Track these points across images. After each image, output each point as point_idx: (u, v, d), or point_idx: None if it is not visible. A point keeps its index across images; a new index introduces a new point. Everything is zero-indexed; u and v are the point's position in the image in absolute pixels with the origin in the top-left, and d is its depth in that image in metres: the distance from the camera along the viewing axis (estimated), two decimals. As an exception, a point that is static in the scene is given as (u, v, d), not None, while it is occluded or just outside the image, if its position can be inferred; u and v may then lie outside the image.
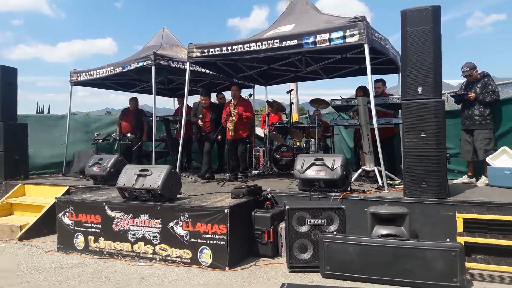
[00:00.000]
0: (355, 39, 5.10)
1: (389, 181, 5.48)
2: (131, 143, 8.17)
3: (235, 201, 4.57)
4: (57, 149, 9.50)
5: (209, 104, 7.40)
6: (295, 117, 9.91)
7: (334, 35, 5.22)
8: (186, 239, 4.36)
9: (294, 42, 5.51)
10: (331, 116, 9.50)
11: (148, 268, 4.32)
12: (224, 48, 6.09)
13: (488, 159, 5.48)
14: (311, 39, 5.37)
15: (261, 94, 11.05)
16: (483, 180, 5.55)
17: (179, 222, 4.39)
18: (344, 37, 5.16)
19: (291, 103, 8.03)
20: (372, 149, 5.83)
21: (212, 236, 4.23)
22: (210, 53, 6.24)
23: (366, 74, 8.10)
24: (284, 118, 8.90)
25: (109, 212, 4.77)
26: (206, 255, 4.26)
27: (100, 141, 7.94)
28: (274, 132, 8.11)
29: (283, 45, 5.60)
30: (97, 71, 7.91)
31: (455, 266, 3.45)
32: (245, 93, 9.94)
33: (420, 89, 4.42)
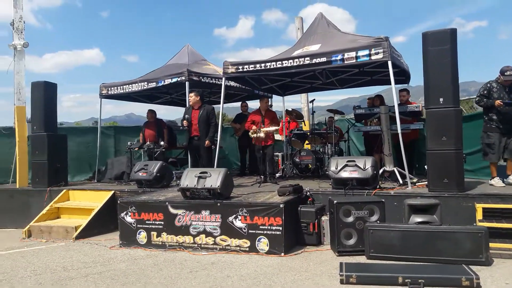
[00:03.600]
0: (379, 56, 5.87)
1: (406, 180, 6.22)
2: (158, 151, 8.79)
3: (285, 198, 5.28)
4: (85, 158, 10.13)
5: (199, 105, 7.04)
6: (307, 124, 10.66)
7: (361, 53, 5.98)
8: (244, 230, 5.04)
9: (323, 59, 6.26)
10: (341, 123, 10.31)
11: (212, 256, 4.99)
12: (258, 65, 6.81)
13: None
14: (339, 57, 6.13)
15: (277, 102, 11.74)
16: None
17: (238, 216, 5.08)
18: (369, 55, 5.92)
19: (313, 112, 8.81)
20: (391, 152, 6.59)
21: (269, 227, 4.93)
22: (245, 69, 6.97)
23: (375, 84, 9.00)
24: (302, 125, 9.66)
25: (172, 210, 5.42)
26: (263, 244, 4.95)
27: (136, 149, 8.56)
28: (293, 138, 8.85)
29: (313, 62, 6.34)
30: (130, 85, 8.57)
31: (481, 245, 4.20)
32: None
33: (441, 99, 5.20)
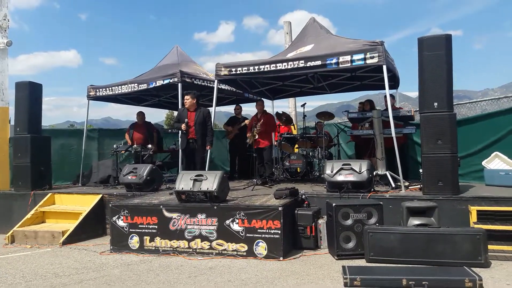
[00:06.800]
0: (374, 60, 5.91)
1: (399, 183, 6.27)
2: (147, 154, 8.63)
3: (282, 201, 5.23)
4: (66, 161, 9.88)
5: (195, 107, 6.89)
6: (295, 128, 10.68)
7: (356, 56, 6.02)
8: (242, 234, 4.97)
9: (318, 62, 6.27)
10: (329, 127, 10.38)
11: (209, 261, 4.89)
12: (251, 68, 6.78)
13: (483, 163, 6.41)
14: (334, 60, 6.15)
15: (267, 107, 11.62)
16: None
17: (235, 219, 5.00)
18: (364, 59, 5.97)
19: (305, 115, 8.81)
20: (384, 156, 6.64)
21: (267, 231, 4.87)
22: (238, 72, 6.92)
23: (363, 89, 9.07)
24: (293, 129, 9.67)
25: (166, 214, 5.30)
26: (261, 248, 4.88)
27: (123, 152, 8.37)
28: (283, 142, 8.83)
29: (307, 65, 6.35)
30: (119, 87, 8.40)
31: (480, 247, 4.25)
32: (251, 106, 10.71)
33: (436, 104, 5.27)
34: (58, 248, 5.95)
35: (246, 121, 8.75)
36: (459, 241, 4.30)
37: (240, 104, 9.66)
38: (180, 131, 7.04)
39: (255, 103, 9.89)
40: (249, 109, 9.33)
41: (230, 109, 10.17)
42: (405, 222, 4.68)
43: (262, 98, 8.91)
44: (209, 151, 7.15)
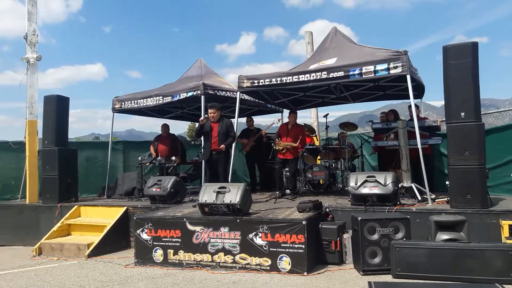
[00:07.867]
0: (398, 70, 5.83)
1: (425, 196, 6.10)
2: (171, 166, 8.71)
3: (305, 214, 5.17)
4: (92, 174, 10.05)
5: (218, 119, 6.99)
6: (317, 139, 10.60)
7: (379, 67, 5.94)
8: (265, 248, 4.92)
9: (341, 73, 6.22)
10: (353, 138, 10.25)
11: (232, 275, 4.86)
12: (273, 80, 6.78)
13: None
14: (357, 71, 6.09)
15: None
16: None
17: (259, 233, 4.96)
18: (388, 69, 5.89)
19: (327, 126, 8.75)
20: (409, 167, 6.50)
21: (291, 245, 4.81)
22: (260, 84, 6.93)
23: (387, 99, 8.94)
24: (315, 140, 9.60)
25: (190, 227, 5.31)
26: (285, 262, 4.83)
27: (148, 164, 8.47)
28: (305, 153, 8.76)
29: (330, 76, 6.31)
30: (144, 99, 8.53)
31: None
32: (273, 116, 10.73)
33: (463, 114, 5.14)
34: (83, 261, 6.03)
35: (262, 132, 8.78)
36: (490, 257, 4.15)
37: (261, 115, 9.71)
38: (203, 143, 7.10)
39: (281, 113, 10.00)
40: (266, 120, 9.38)
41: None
42: (433, 236, 4.55)
43: (280, 109, 8.93)
44: (231, 162, 7.18)
